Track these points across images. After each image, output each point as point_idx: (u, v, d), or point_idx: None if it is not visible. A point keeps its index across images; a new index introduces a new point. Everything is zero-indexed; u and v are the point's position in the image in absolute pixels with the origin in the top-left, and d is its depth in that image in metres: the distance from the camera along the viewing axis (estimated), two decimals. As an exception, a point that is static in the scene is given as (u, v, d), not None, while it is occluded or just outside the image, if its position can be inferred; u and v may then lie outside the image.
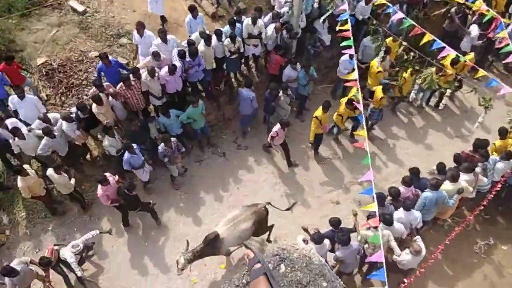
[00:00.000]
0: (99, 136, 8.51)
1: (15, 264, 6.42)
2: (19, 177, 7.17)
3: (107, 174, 7.34)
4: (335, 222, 6.78)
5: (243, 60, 9.72)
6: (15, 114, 7.94)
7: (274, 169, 8.98)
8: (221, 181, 8.71)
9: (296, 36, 9.38)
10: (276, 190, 8.63)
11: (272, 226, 7.57)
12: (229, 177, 8.78)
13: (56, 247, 6.93)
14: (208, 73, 9.02)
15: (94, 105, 7.73)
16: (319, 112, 8.31)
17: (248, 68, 9.94)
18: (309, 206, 8.44)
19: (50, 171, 7.32)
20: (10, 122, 7.59)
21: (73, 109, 7.96)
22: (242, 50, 9.06)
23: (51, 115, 7.81)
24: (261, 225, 7.16)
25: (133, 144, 7.59)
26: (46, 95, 8.86)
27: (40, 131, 7.47)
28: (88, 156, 8.56)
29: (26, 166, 7.31)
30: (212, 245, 6.74)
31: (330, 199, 8.54)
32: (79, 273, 6.83)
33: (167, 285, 7.44)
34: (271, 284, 1.92)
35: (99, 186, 7.20)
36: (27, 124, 7.71)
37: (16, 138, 7.34)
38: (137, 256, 7.77)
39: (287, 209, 7.57)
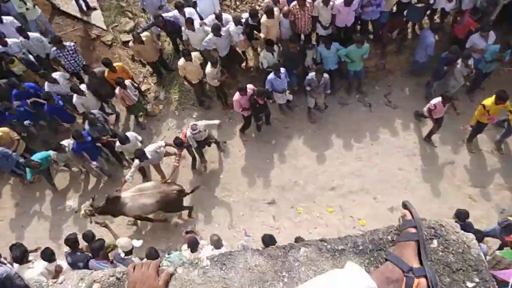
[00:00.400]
0: (258, 49, 8.70)
1: (150, 150, 7.24)
2: (182, 58, 7.85)
3: (249, 85, 7.60)
4: (461, 214, 6.05)
5: (428, 12, 8.60)
6: (194, 5, 8.47)
7: (417, 140, 8.19)
8: (357, 131, 8.34)
9: (501, 2, 7.81)
10: (411, 161, 7.95)
11: (191, 207, 7.55)
12: (366, 130, 8.34)
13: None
14: (384, 15, 8.26)
15: (264, 16, 7.80)
16: (489, 101, 7.02)
17: (431, 22, 8.78)
18: (440, 193, 7.61)
19: (208, 64, 7.88)
20: (189, 11, 8.16)
21: (245, 15, 8.16)
22: (432, 1, 7.98)
23: (224, 16, 8.18)
24: (169, 205, 7.15)
25: (281, 69, 7.63)
26: (224, -5, 9.26)
27: (209, 28, 7.92)
28: (243, 65, 8.92)
29: (194, 53, 7.93)
30: (112, 205, 6.88)
31: (469, 194, 7.57)
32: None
33: (263, 198, 7.80)
34: (420, 253, 1.70)
35: (237, 93, 7.54)
36: (201, 18, 8.23)
37: (187, 29, 7.92)
38: (253, 169, 8.17)
39: (191, 192, 7.40)
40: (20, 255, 5.84)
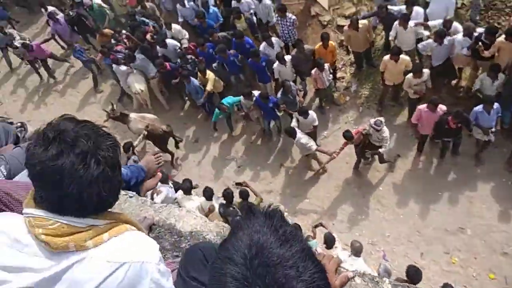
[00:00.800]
0: (479, 71, 7.59)
1: (301, 140, 7.25)
2: (389, 55, 7.50)
3: (441, 105, 6.79)
4: None
5: None
6: (426, 5, 7.84)
7: None
8: None
9: None
10: None
11: (171, 153, 8.82)
12: None
13: (364, 130, 7.20)
14: None
15: (502, 37, 6.72)
16: None
17: None
18: None
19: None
20: (416, 11, 7.63)
21: (479, 29, 7.10)
22: None
23: (454, 24, 7.36)
24: (153, 139, 8.45)
25: (495, 104, 6.56)
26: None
27: (424, 32, 7.39)
28: (454, 82, 7.98)
29: (403, 56, 7.44)
30: (122, 117, 8.61)
31: None
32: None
33: (417, 229, 7.04)
34: None
35: (426, 104, 6.82)
36: (426, 19, 7.59)
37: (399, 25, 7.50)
38: (417, 194, 7.45)
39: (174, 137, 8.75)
40: (188, 186, 6.82)
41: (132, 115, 8.61)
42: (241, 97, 8.21)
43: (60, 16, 10.36)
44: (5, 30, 10.61)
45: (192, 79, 8.60)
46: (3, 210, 1.41)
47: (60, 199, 1.12)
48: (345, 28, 8.22)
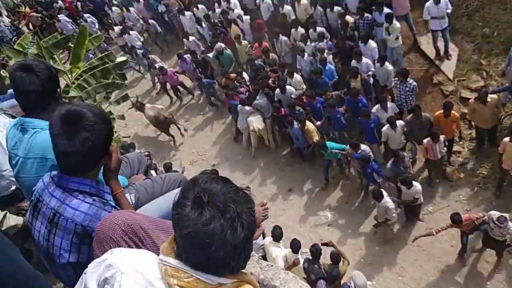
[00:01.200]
0: None
1: (387, 204, 6.99)
2: (507, 138, 6.80)
3: None
4: None
5: None
6: None
7: None
8: None
9: None
10: None
11: (172, 136, 11.29)
12: None
13: (478, 220, 6.46)
14: None
15: None
16: None
17: None
18: None
19: None
20: None
21: None
22: None
23: None
24: (158, 123, 10.93)
25: None
26: None
27: None
28: None
29: None
30: (141, 106, 10.92)
31: None
32: None
33: None
34: None
35: None
36: None
37: None
38: None
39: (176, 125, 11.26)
40: (279, 233, 6.74)
41: (147, 105, 11.15)
42: (347, 146, 8.08)
43: (187, 56, 11.68)
44: (148, 56, 12.70)
45: (295, 124, 8.82)
46: (138, 245, 1.52)
47: (204, 259, 1.18)
48: (471, 100, 7.61)
